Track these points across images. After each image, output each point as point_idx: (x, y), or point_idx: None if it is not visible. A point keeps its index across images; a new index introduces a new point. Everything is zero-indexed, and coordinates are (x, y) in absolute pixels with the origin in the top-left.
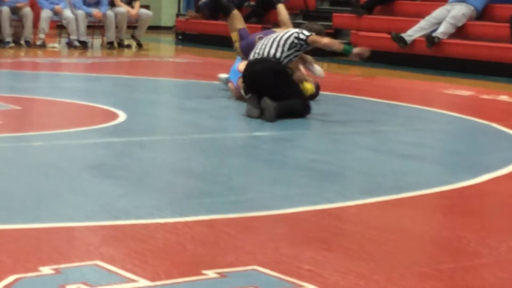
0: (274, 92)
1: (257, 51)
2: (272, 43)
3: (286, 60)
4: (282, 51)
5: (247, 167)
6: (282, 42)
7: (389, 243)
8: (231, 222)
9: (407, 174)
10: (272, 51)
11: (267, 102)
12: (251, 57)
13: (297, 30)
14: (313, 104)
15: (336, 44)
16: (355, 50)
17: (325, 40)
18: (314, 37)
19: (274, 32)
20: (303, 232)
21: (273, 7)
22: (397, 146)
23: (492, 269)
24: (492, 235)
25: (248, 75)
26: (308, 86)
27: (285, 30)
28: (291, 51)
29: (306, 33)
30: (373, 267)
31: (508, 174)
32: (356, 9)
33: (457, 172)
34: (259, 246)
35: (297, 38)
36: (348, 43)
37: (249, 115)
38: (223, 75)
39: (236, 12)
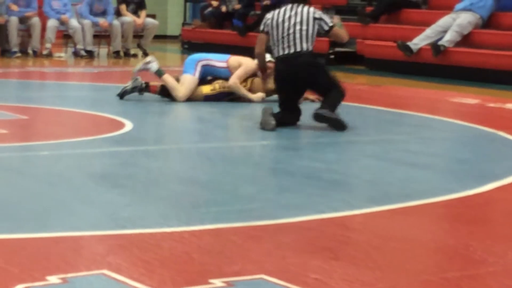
0: (313, 84)
1: (285, 45)
2: (300, 36)
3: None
4: (312, 42)
5: (253, 176)
6: (310, 33)
7: (396, 251)
8: (238, 231)
9: (413, 183)
10: (304, 45)
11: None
12: (279, 52)
13: (316, 16)
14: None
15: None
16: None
17: (345, 34)
18: (337, 31)
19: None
20: (310, 241)
21: None
22: (403, 155)
23: (499, 278)
24: (498, 243)
25: (283, 72)
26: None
27: (302, 13)
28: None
29: (329, 22)
30: (380, 275)
31: None
32: (362, 18)
33: (463, 181)
34: (265, 255)
35: (320, 26)
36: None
37: (264, 127)
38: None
39: None
